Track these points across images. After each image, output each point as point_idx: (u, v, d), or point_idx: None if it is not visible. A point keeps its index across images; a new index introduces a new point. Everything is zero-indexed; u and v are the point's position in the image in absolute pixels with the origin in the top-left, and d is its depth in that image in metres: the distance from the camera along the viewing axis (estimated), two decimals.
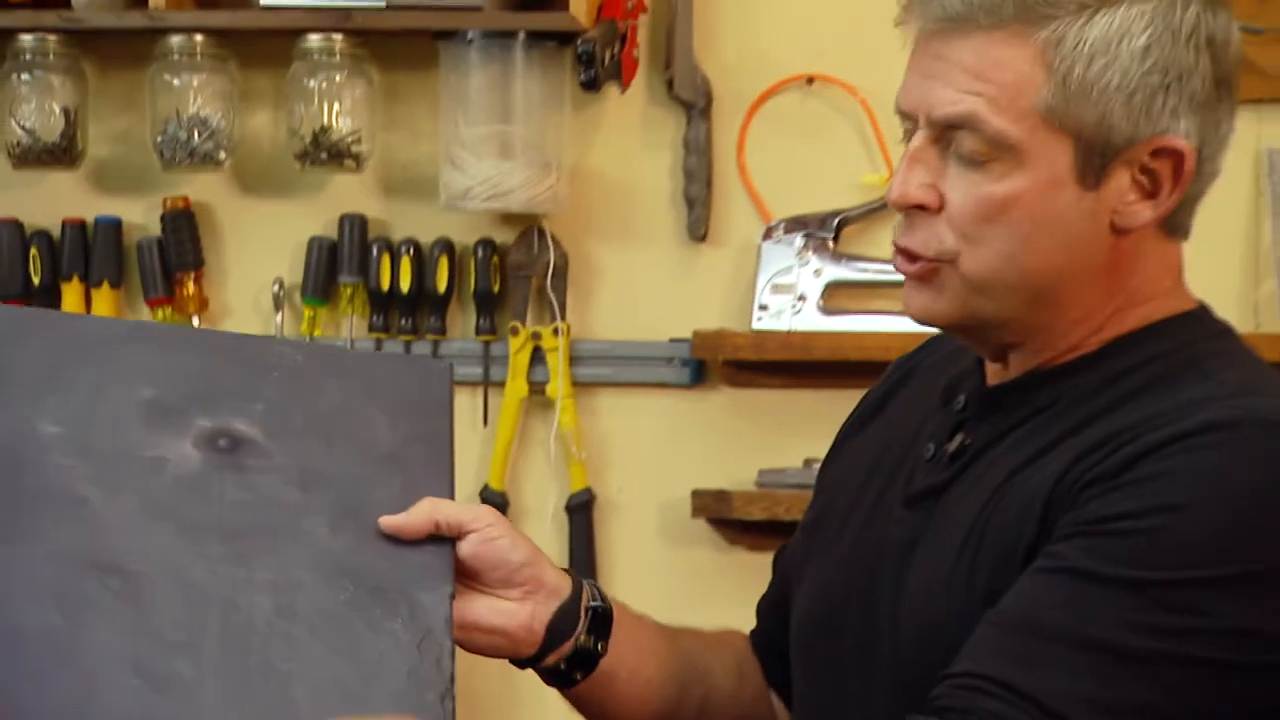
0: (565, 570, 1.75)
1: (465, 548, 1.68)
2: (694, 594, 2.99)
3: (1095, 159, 1.63)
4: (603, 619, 1.76)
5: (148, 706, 1.49)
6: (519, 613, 1.70)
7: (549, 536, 3.06)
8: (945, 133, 1.64)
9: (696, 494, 2.95)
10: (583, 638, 1.74)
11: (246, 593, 1.58)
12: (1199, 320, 1.68)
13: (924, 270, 1.65)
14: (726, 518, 2.94)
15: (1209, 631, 1.53)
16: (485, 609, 1.69)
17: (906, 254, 1.67)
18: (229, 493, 1.64)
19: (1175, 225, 1.66)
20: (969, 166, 1.63)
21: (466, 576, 1.69)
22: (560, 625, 1.72)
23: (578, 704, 1.80)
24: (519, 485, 3.09)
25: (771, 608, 1.91)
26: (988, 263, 1.64)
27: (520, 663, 1.73)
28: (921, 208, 1.63)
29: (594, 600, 1.76)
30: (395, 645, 1.60)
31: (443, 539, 1.67)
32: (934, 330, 1.87)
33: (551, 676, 1.75)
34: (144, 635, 1.52)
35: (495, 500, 3.04)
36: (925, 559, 1.65)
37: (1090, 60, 1.61)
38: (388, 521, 1.67)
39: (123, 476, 1.60)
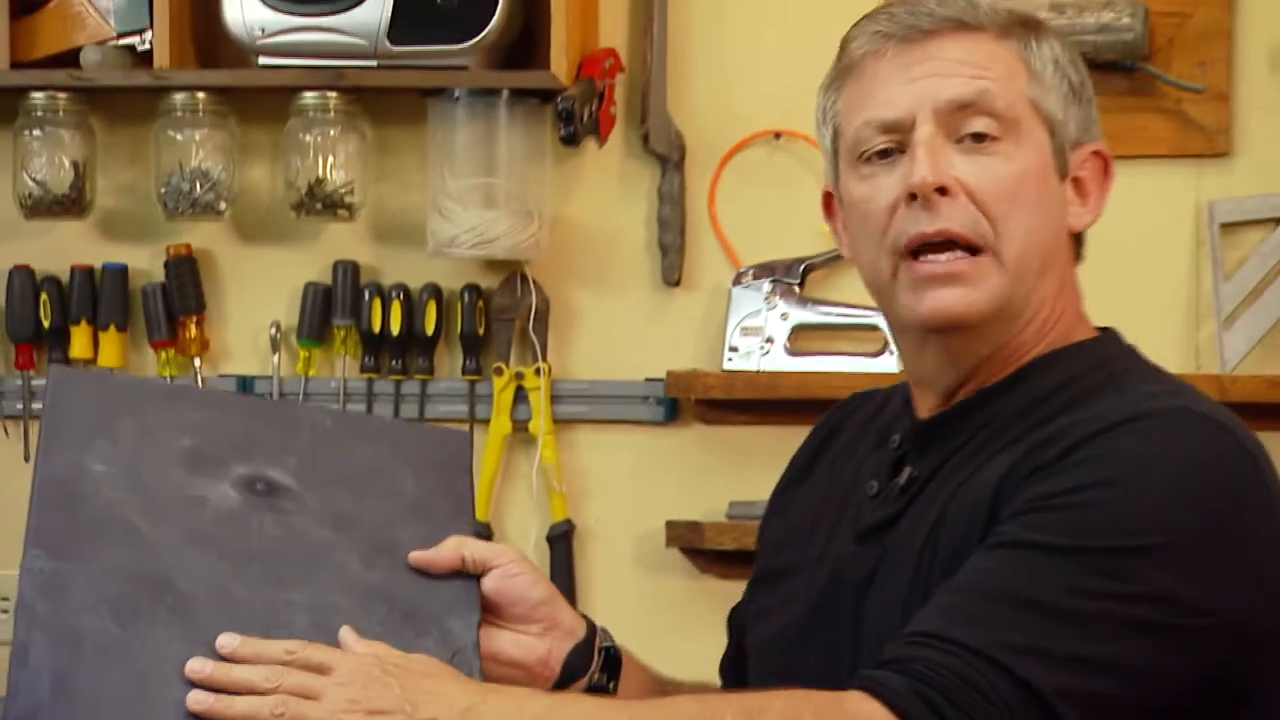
0: (582, 615, 1.77)
1: (489, 583, 1.69)
2: (667, 620, 3.00)
3: (1061, 151, 1.70)
4: (614, 661, 1.78)
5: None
6: (537, 647, 1.72)
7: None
8: (953, 118, 1.67)
9: (670, 525, 2.97)
10: (596, 675, 1.76)
11: (286, 612, 1.60)
12: (1107, 343, 1.74)
13: (965, 265, 1.66)
14: (698, 547, 2.96)
15: (1139, 596, 1.55)
16: (506, 642, 1.71)
17: (950, 242, 1.66)
18: (266, 528, 1.66)
19: (1080, 251, 1.74)
20: (978, 152, 1.67)
21: (489, 611, 1.70)
22: (575, 663, 1.74)
23: None
24: (502, 516, 3.11)
25: (731, 664, 1.94)
26: (1019, 241, 1.67)
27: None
28: (944, 191, 1.65)
29: (606, 642, 1.78)
30: (433, 654, 1.63)
31: (468, 575, 1.68)
32: (880, 377, 1.92)
33: None
34: (193, 644, 1.54)
35: (480, 531, 2.89)
36: (882, 587, 1.66)
37: (1052, 65, 1.71)
38: (417, 556, 1.68)
39: (168, 510, 1.63)
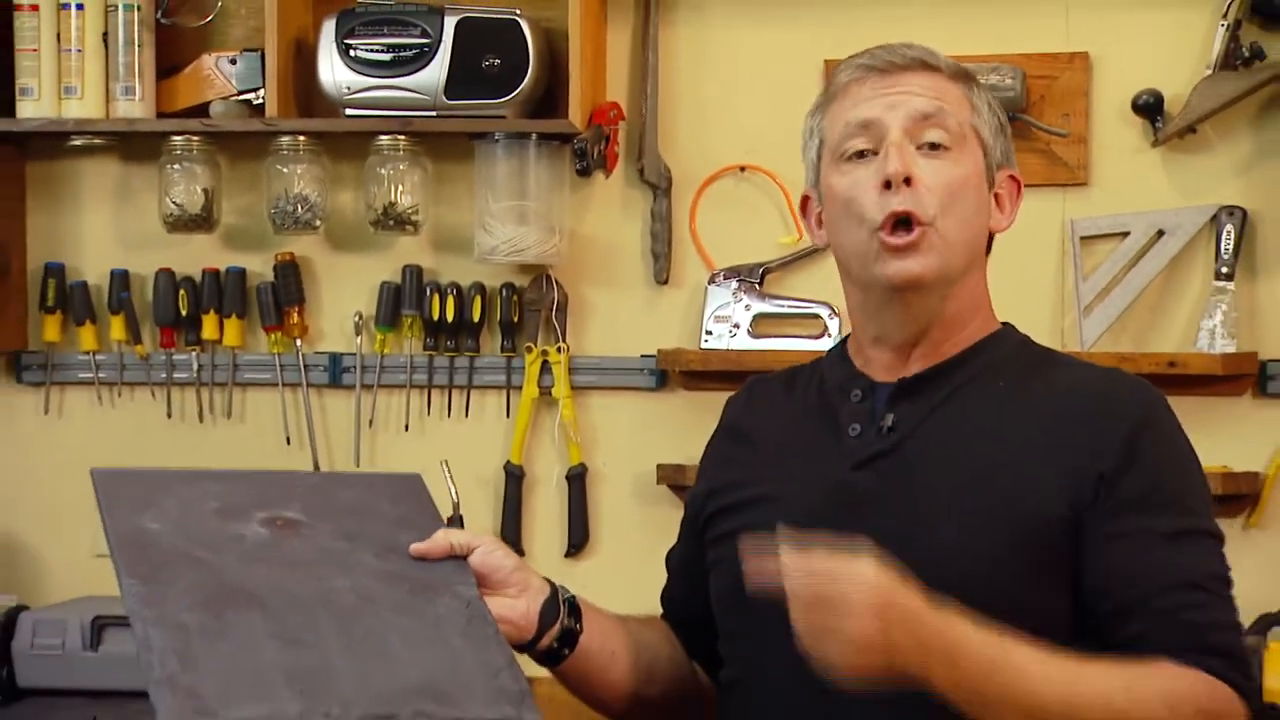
0: (545, 578, 1.78)
1: (473, 559, 1.73)
2: (658, 540, 2.69)
3: (990, 169, 1.76)
4: (575, 607, 1.79)
5: (294, 654, 1.57)
6: (517, 606, 1.74)
7: (554, 498, 3.10)
8: (916, 127, 1.71)
9: (660, 467, 2.99)
10: (565, 621, 1.77)
11: (333, 595, 1.65)
12: (1012, 329, 1.81)
13: (919, 238, 1.69)
14: (682, 484, 2.93)
15: (1220, 540, 1.69)
16: (495, 605, 1.72)
17: (911, 220, 1.69)
18: (295, 547, 1.70)
19: (990, 249, 1.80)
20: (933, 156, 1.71)
21: (476, 582, 1.73)
22: (548, 613, 1.76)
23: (565, 679, 1.82)
24: (532, 461, 3.10)
25: (672, 600, 1.94)
26: (958, 226, 1.71)
27: (521, 647, 1.75)
28: (909, 181, 1.69)
29: (566, 594, 1.79)
30: (451, 609, 1.69)
31: (458, 556, 1.73)
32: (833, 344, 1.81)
33: (546, 657, 1.78)
34: (273, 621, 1.60)
35: (515, 471, 3.08)
36: (890, 499, 1.65)
37: (987, 105, 1.77)
38: (417, 547, 1.72)
39: (217, 546, 1.67)
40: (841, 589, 1.49)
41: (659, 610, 1.96)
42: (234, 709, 1.50)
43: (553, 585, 1.79)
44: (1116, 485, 1.64)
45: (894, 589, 1.51)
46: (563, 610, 1.78)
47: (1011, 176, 1.80)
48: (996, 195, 1.78)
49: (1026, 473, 1.66)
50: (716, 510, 1.85)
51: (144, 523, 1.66)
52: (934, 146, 1.72)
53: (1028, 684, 1.53)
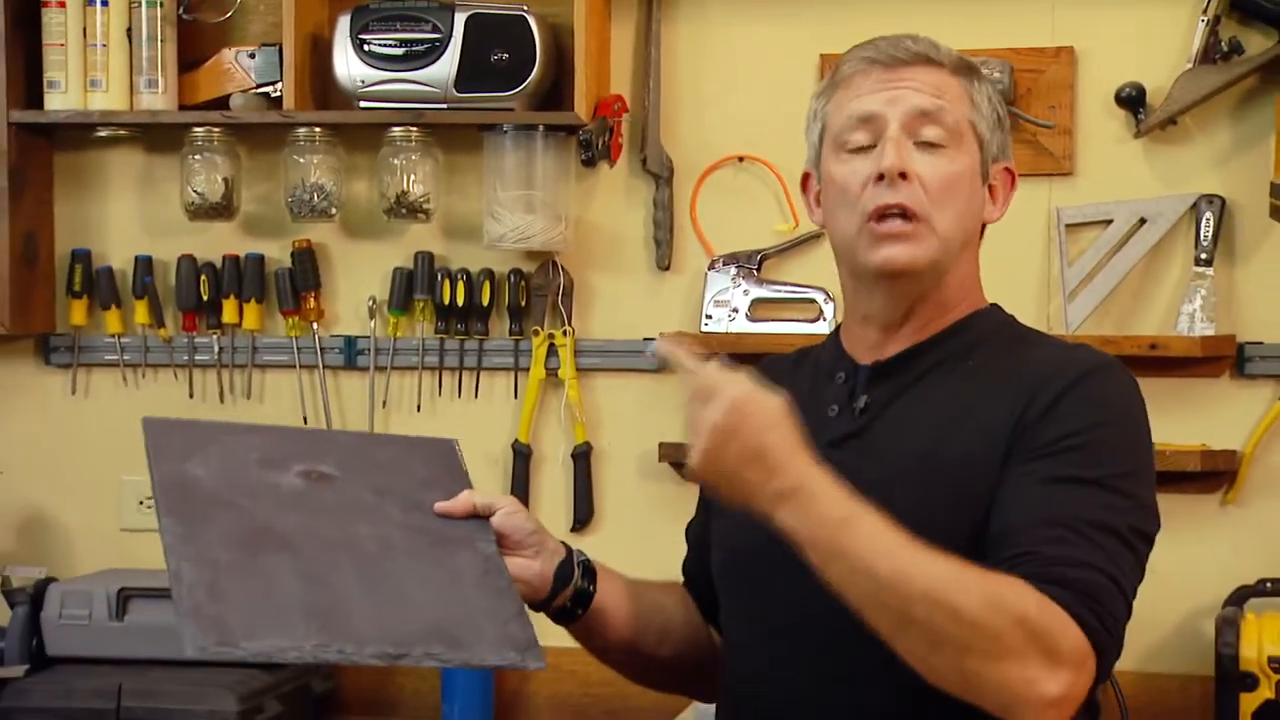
0: (561, 541, 1.80)
1: (495, 520, 1.74)
2: (659, 515, 3.02)
3: (985, 163, 1.74)
4: (590, 570, 1.81)
5: (315, 593, 1.59)
6: (533, 566, 1.75)
7: (560, 476, 3.09)
8: (915, 123, 1.70)
9: (662, 445, 2.99)
10: (579, 582, 1.78)
11: (358, 541, 1.67)
12: (999, 309, 1.80)
13: (911, 228, 1.68)
14: (682, 461, 2.57)
15: (1138, 507, 1.61)
16: (512, 564, 1.72)
17: (901, 210, 1.68)
18: (326, 497, 1.72)
19: (982, 237, 1.79)
20: (930, 152, 1.70)
21: (499, 542, 1.74)
22: (562, 574, 1.77)
23: (579, 637, 1.84)
24: (539, 440, 3.10)
25: (691, 568, 1.94)
26: (950, 221, 1.70)
27: (537, 605, 1.76)
28: (904, 176, 1.68)
29: (581, 557, 1.80)
30: (469, 562, 1.70)
31: (480, 516, 1.74)
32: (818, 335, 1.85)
33: (561, 615, 1.79)
34: (300, 561, 1.62)
35: (523, 450, 3.08)
36: (861, 477, 1.59)
37: (986, 100, 1.76)
38: (441, 505, 1.73)
39: (255, 493, 1.69)
40: (718, 384, 1.53)
41: (675, 578, 1.98)
42: (254, 640, 1.52)
43: (569, 548, 1.80)
44: (1028, 431, 1.62)
45: (765, 401, 1.53)
46: (577, 572, 1.79)
47: (1006, 169, 1.79)
48: (991, 187, 1.77)
49: (974, 446, 1.64)
50: None
51: (188, 468, 1.68)
52: (931, 144, 1.71)
53: (866, 547, 1.49)
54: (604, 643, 1.85)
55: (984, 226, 1.80)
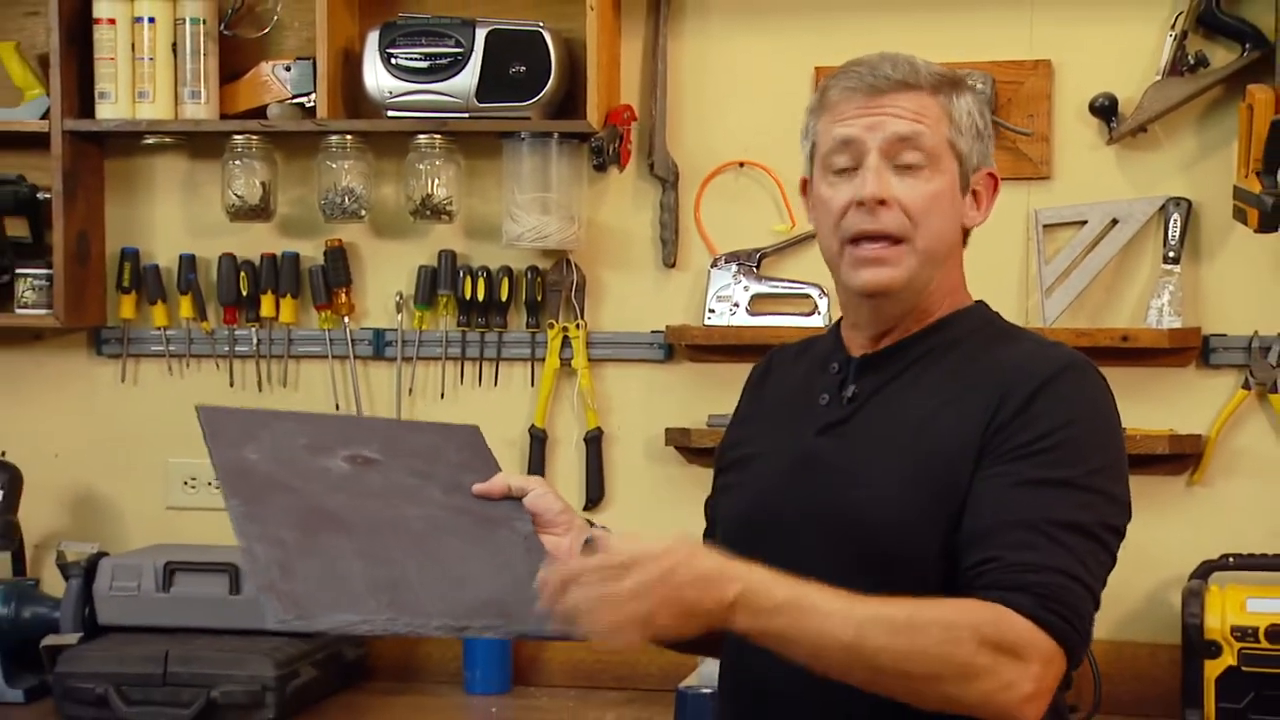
0: (586, 519, 1.80)
1: (528, 500, 1.75)
2: (665, 495, 3.03)
3: (966, 175, 1.71)
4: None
5: (376, 570, 1.58)
6: (564, 542, 1.74)
7: (573, 458, 3.09)
8: (893, 148, 1.67)
9: (668, 430, 3.00)
10: None
11: (405, 521, 1.67)
12: (985, 308, 1.79)
13: (890, 252, 1.66)
14: (687, 446, 2.98)
15: (1110, 501, 1.59)
16: (546, 542, 1.73)
17: (882, 236, 1.66)
18: (372, 480, 1.72)
19: (966, 240, 1.77)
20: (909, 175, 1.67)
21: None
22: (588, 549, 1.69)
23: None
24: (554, 425, 3.10)
25: (712, 541, 1.85)
26: (929, 237, 1.67)
27: None
28: (883, 202, 1.66)
29: (604, 535, 1.73)
30: (509, 540, 1.71)
31: (514, 497, 1.75)
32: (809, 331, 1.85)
33: None
34: (357, 541, 1.62)
35: (539, 434, 3.07)
36: (843, 461, 1.61)
37: (966, 114, 1.72)
38: (479, 487, 1.74)
39: (307, 477, 1.69)
40: (617, 561, 1.48)
41: None
42: (330, 615, 1.52)
43: (592, 526, 1.81)
44: (1000, 433, 1.59)
45: (660, 545, 1.48)
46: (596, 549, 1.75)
47: (989, 174, 1.77)
48: (975, 192, 1.75)
49: (950, 440, 1.62)
50: (725, 464, 1.87)
51: (244, 453, 1.68)
52: (911, 166, 1.69)
53: (818, 620, 1.48)
54: None
55: (968, 231, 1.78)
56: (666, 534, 1.50)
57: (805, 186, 1.81)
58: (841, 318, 1.83)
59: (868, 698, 1.53)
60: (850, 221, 1.69)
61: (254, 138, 3.09)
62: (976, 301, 1.80)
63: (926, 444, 1.63)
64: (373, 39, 2.96)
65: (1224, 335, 2.89)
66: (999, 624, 1.50)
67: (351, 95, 3.05)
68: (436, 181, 3.04)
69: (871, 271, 1.69)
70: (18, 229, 3.14)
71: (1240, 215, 2.78)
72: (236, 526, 1.58)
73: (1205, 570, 2.79)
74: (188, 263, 3.19)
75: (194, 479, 3.19)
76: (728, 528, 1.81)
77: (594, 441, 3.11)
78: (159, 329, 3.22)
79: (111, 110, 3.08)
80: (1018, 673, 1.50)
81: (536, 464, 3.11)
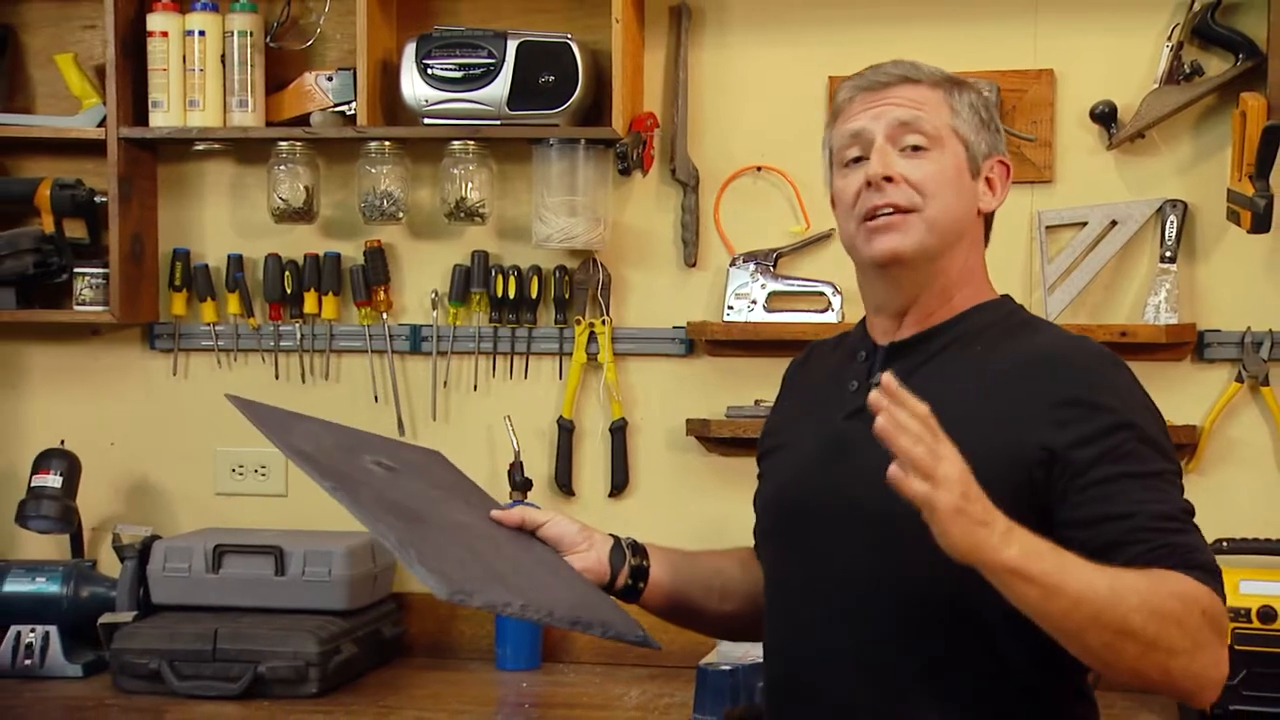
0: (607, 534, 1.80)
1: (546, 531, 1.75)
2: (686, 484, 3.04)
3: (974, 160, 1.74)
4: (639, 547, 1.81)
5: (483, 564, 1.56)
6: (590, 557, 1.76)
7: (599, 448, 3.08)
8: (897, 133, 1.70)
9: (689, 421, 2.99)
10: (632, 560, 1.78)
11: (464, 524, 1.65)
12: (1010, 300, 1.81)
13: (899, 219, 1.68)
14: (707, 436, 2.97)
15: (1180, 476, 1.63)
16: (575, 561, 1.74)
17: (890, 206, 1.68)
18: (408, 485, 1.69)
19: (988, 235, 1.79)
20: (914, 157, 1.70)
21: (554, 547, 1.76)
22: (615, 557, 1.78)
23: (649, 608, 1.83)
24: (581, 415, 3.09)
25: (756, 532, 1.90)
26: (939, 210, 1.69)
27: (603, 589, 1.76)
28: (890, 180, 1.69)
29: (628, 540, 1.81)
30: (547, 553, 1.70)
31: (526, 530, 1.74)
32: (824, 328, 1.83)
33: (626, 594, 1.79)
34: (445, 533, 1.60)
35: (567, 425, 3.07)
36: (870, 446, 1.53)
37: (968, 106, 1.75)
38: (496, 514, 1.74)
39: (361, 473, 1.66)
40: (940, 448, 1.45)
41: (714, 542, 2.01)
42: (480, 594, 1.48)
43: (615, 537, 1.81)
44: (1081, 438, 1.58)
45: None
46: (627, 552, 1.80)
47: (1000, 161, 1.77)
48: (988, 179, 1.76)
49: (980, 423, 1.61)
50: (763, 452, 1.88)
51: (295, 443, 1.65)
52: (915, 148, 1.71)
53: (1085, 572, 1.46)
54: (668, 608, 1.84)
55: (989, 220, 1.78)
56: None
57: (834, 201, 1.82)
58: (866, 314, 1.84)
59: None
60: (863, 201, 1.71)
61: (298, 144, 3.09)
62: (1002, 295, 1.80)
63: (951, 434, 1.57)
64: (410, 50, 2.96)
65: (1218, 331, 2.89)
66: (1212, 598, 1.52)
67: (390, 104, 3.04)
68: (470, 185, 3.04)
69: (882, 238, 1.69)
70: (76, 230, 3.15)
71: (1234, 217, 2.79)
72: (355, 504, 1.53)
73: None
74: (235, 262, 3.19)
75: (241, 466, 3.19)
76: (764, 512, 1.81)
77: (619, 432, 3.11)
78: (208, 325, 3.21)
79: (164, 118, 3.07)
80: (1222, 651, 1.51)
81: (564, 453, 3.11)
